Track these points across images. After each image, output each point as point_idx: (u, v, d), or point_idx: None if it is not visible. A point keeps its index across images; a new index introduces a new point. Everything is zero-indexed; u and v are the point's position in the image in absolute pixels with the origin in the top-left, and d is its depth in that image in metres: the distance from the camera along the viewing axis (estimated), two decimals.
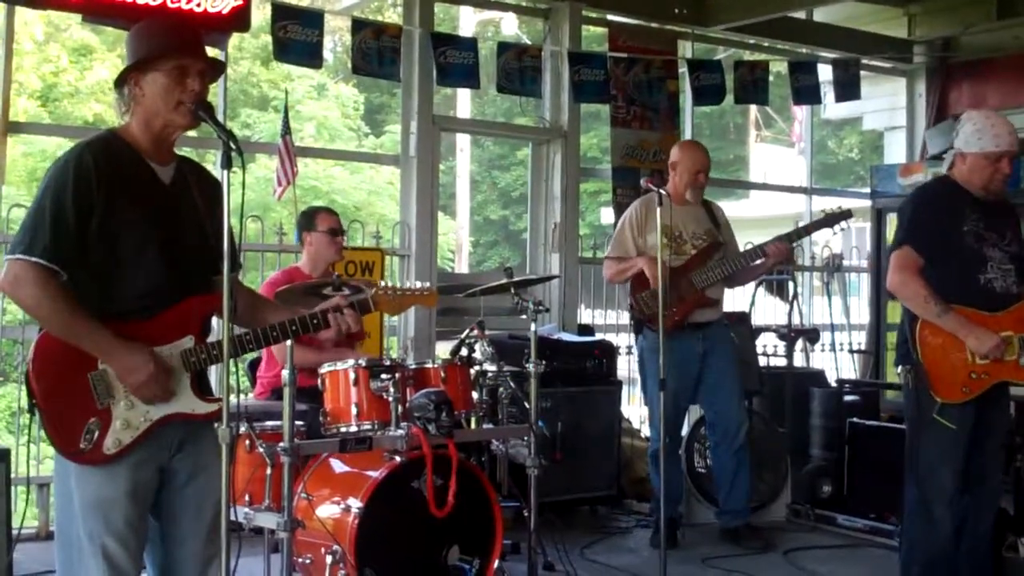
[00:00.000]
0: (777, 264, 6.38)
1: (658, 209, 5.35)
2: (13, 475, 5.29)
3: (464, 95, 16.79)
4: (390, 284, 3.67)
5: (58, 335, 3.07)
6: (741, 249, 6.45)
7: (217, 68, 3.37)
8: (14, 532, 5.20)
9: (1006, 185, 4.75)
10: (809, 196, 10.67)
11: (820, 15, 10.27)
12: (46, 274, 3.02)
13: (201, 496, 3.28)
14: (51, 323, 3.09)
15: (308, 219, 6.06)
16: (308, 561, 4.68)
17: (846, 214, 6.16)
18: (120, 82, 3.21)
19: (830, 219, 6.19)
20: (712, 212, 6.39)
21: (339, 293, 4.75)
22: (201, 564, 3.29)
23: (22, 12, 7.08)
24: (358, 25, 7.60)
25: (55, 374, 3.08)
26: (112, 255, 3.10)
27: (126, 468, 3.11)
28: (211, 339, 3.30)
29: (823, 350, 9.36)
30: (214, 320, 3.44)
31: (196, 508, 3.28)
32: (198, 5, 6.63)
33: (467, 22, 16.78)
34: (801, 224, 6.98)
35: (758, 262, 6.20)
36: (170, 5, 6.56)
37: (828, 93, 9.99)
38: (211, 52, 5.86)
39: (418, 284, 3.74)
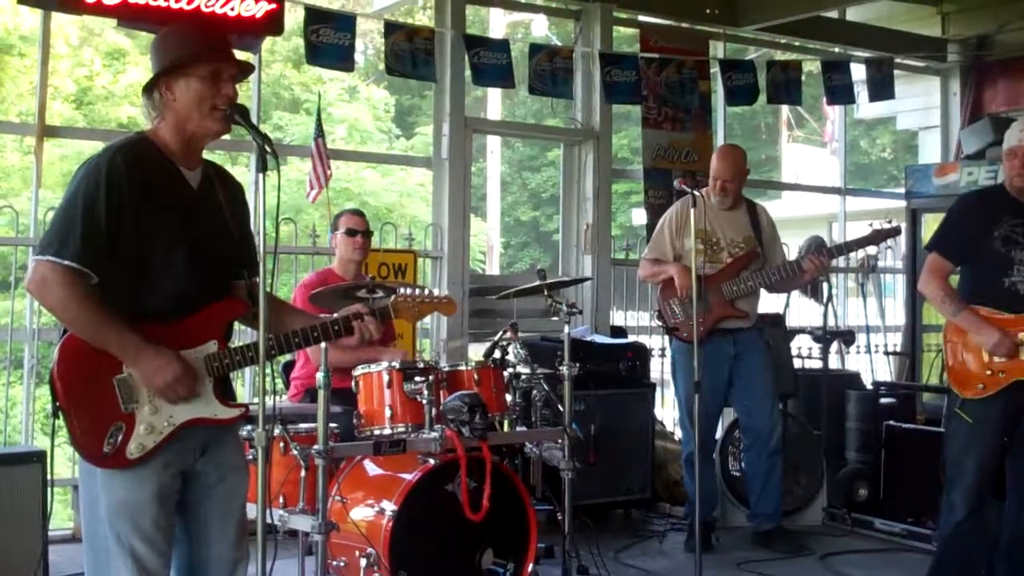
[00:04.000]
0: (815, 278, 6.32)
1: (692, 211, 5.33)
2: (49, 476, 5.31)
3: (495, 97, 16.80)
4: (409, 292, 3.66)
5: (84, 338, 3.04)
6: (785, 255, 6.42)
7: (246, 70, 3.33)
8: (50, 534, 5.25)
9: None
10: (843, 196, 10.60)
11: (853, 14, 10.21)
12: (75, 276, 2.99)
13: (229, 498, 3.28)
14: (78, 326, 3.04)
15: (334, 221, 6.12)
16: (342, 564, 4.68)
17: (895, 231, 6.09)
18: (149, 88, 3.19)
19: (879, 236, 6.08)
20: (756, 217, 6.31)
21: (374, 296, 4.78)
22: (229, 567, 3.28)
23: (57, 16, 7.13)
24: (390, 28, 7.61)
25: (80, 377, 3.06)
26: (141, 258, 3.09)
27: (152, 472, 3.10)
28: (234, 345, 3.30)
29: (858, 352, 9.28)
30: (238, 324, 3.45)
31: (224, 510, 3.27)
32: (232, 9, 6.66)
33: (497, 23, 16.79)
34: (845, 235, 6.91)
35: (807, 275, 6.13)
36: (204, 9, 6.58)
37: (861, 92, 9.91)
38: (243, 56, 5.87)
39: (436, 292, 3.73)
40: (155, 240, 3.10)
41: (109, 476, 3.08)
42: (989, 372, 4.75)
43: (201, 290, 3.19)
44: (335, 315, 3.44)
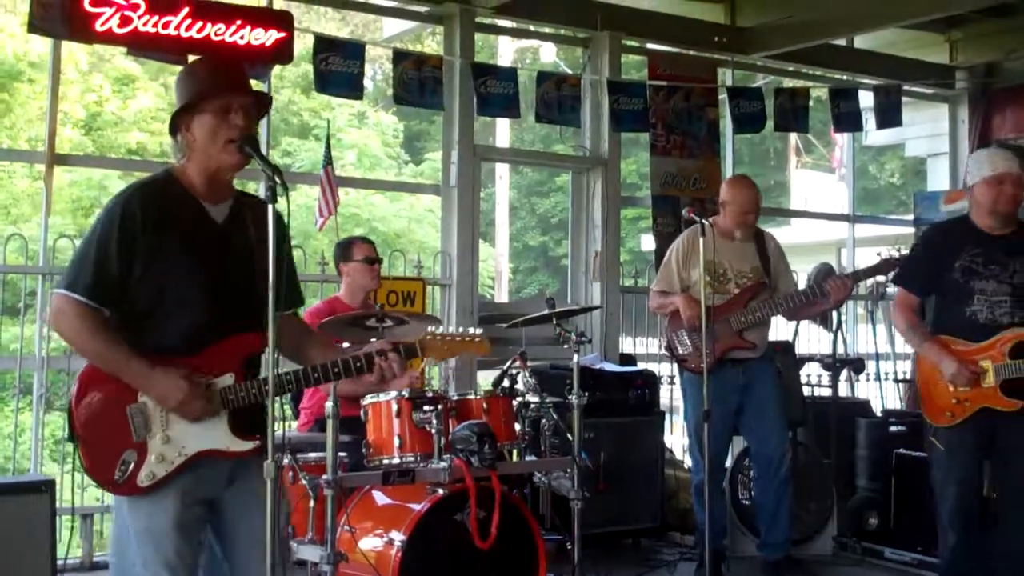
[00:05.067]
0: (840, 303, 6.30)
1: (701, 240, 5.33)
2: (58, 505, 5.30)
3: (503, 123, 16.82)
4: (440, 331, 3.60)
5: (98, 366, 3.16)
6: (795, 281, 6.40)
7: (262, 101, 3.39)
8: (59, 562, 5.24)
9: (1015, 206, 5.02)
10: (851, 223, 10.59)
11: (861, 42, 10.23)
12: (87, 309, 3.13)
13: (259, 528, 3.24)
14: (90, 354, 3.18)
15: (344, 250, 6.09)
16: None
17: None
18: (173, 129, 3.27)
19: (887, 265, 6.05)
20: (763, 246, 6.27)
21: (383, 324, 4.78)
22: None
23: (68, 42, 7.17)
24: (399, 56, 7.63)
25: (96, 405, 3.16)
26: (157, 294, 3.18)
27: (170, 501, 3.16)
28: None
29: (868, 380, 9.25)
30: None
31: (255, 539, 3.23)
32: (241, 38, 6.69)
33: (505, 50, 16.84)
34: (854, 261, 6.87)
35: (820, 303, 6.10)
36: (213, 38, 6.62)
37: (869, 120, 9.92)
38: (255, 86, 5.84)
39: (471, 330, 3.65)
40: (171, 276, 3.19)
41: (133, 503, 3.18)
42: (955, 401, 4.96)
43: (218, 324, 3.22)
44: (360, 351, 3.43)
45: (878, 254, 6.09)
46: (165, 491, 3.16)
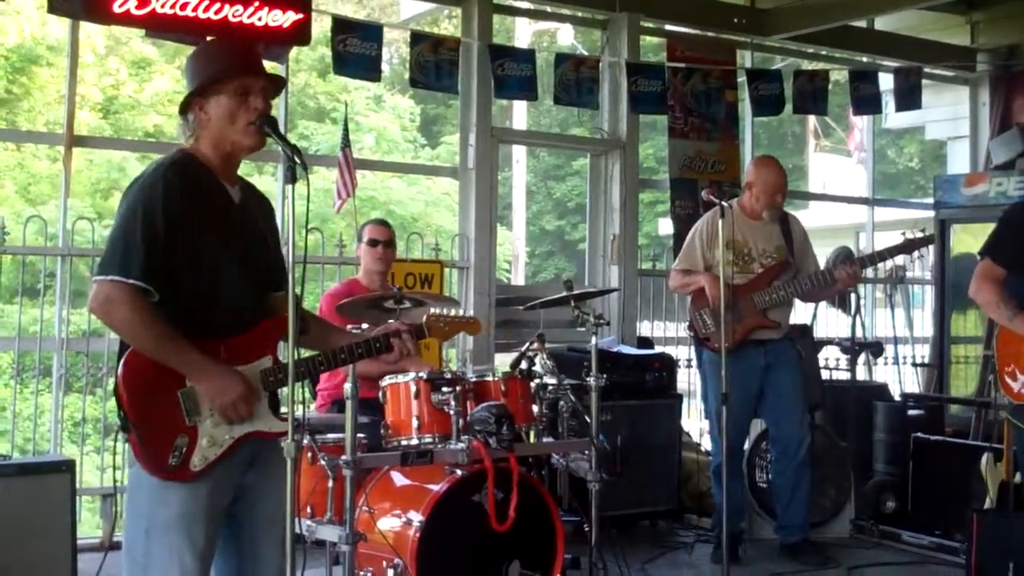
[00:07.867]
0: (848, 288, 6.28)
1: (720, 222, 5.32)
2: (78, 485, 5.33)
3: (520, 106, 16.76)
4: (439, 312, 3.78)
5: (149, 355, 3.07)
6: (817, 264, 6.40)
7: (278, 84, 3.39)
8: (78, 542, 5.27)
9: None
10: (871, 207, 10.54)
11: (881, 23, 10.15)
12: (138, 295, 3.02)
13: (276, 510, 3.26)
14: (143, 344, 3.07)
15: (359, 231, 6.18)
16: (370, 574, 4.67)
17: (928, 240, 6.05)
18: (184, 108, 3.24)
19: (911, 245, 6.04)
20: (788, 227, 6.28)
21: (401, 307, 4.80)
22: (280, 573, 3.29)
23: (85, 25, 7.17)
24: (416, 38, 7.62)
25: (145, 390, 3.09)
26: (198, 273, 3.12)
27: (207, 484, 3.13)
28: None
29: (886, 363, 9.22)
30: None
31: (272, 521, 3.26)
32: (259, 19, 6.67)
33: (523, 32, 16.77)
34: (873, 246, 6.84)
35: (832, 286, 6.11)
36: (231, 19, 6.60)
37: (889, 102, 9.86)
38: (271, 66, 5.89)
39: (463, 313, 3.85)
40: (208, 255, 3.15)
41: (167, 489, 3.10)
42: None
43: (254, 303, 3.24)
44: (375, 332, 3.50)
45: (903, 233, 6.07)
46: (205, 477, 3.11)
